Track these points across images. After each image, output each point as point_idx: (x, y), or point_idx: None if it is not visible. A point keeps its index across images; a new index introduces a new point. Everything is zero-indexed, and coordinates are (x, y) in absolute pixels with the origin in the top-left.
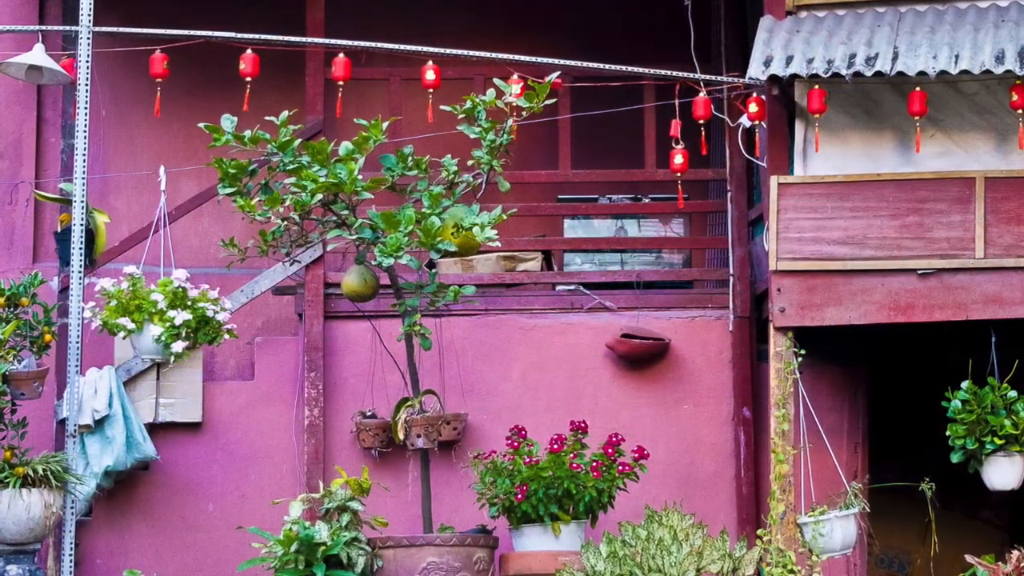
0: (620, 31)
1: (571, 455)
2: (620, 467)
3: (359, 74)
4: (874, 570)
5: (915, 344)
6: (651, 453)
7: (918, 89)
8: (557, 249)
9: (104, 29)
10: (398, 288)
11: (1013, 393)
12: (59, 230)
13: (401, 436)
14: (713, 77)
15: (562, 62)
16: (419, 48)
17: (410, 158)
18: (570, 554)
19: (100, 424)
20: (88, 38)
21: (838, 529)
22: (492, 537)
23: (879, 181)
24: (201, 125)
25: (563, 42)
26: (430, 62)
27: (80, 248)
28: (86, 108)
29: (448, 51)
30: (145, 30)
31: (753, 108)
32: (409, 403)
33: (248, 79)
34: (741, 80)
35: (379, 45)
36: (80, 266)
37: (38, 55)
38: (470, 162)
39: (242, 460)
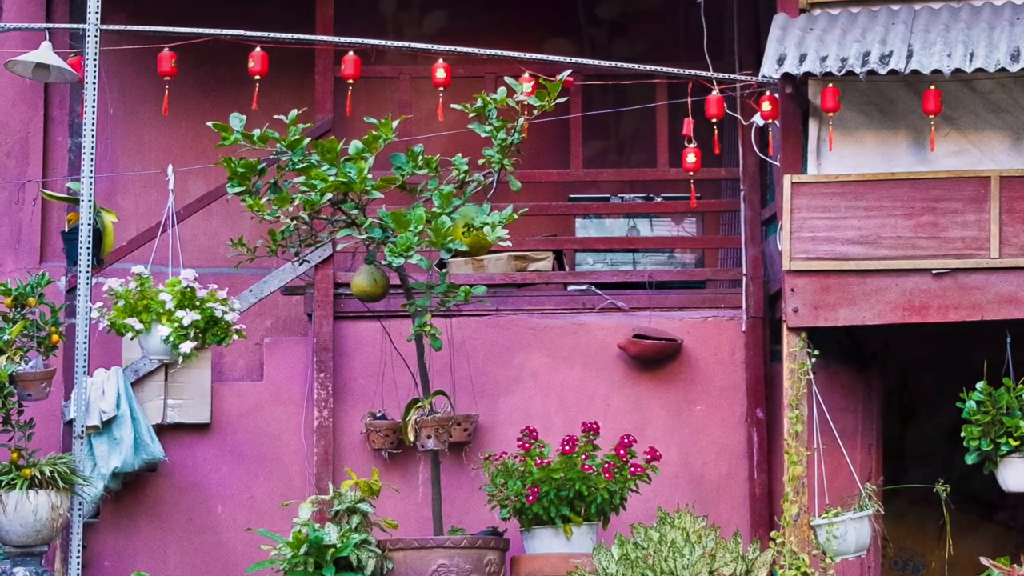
0: (630, 29)
1: (583, 456)
2: (632, 468)
3: (369, 72)
4: (888, 572)
5: (930, 344)
6: (663, 454)
7: (932, 87)
8: (568, 249)
9: (112, 27)
10: (408, 288)
11: None
12: (66, 229)
13: (411, 437)
14: (726, 75)
15: (573, 60)
16: (429, 46)
17: (420, 157)
18: (582, 556)
19: (108, 425)
20: (96, 36)
21: (852, 531)
22: (503, 539)
23: (893, 180)
24: (210, 124)
25: (574, 40)
26: (440, 60)
27: (87, 248)
28: (94, 106)
29: (458, 49)
30: (153, 28)
31: (766, 107)
32: (419, 404)
33: (257, 77)
34: (754, 78)
35: (389, 43)
36: (87, 266)
37: (45, 53)
38: (481, 161)
39: (251, 461)
